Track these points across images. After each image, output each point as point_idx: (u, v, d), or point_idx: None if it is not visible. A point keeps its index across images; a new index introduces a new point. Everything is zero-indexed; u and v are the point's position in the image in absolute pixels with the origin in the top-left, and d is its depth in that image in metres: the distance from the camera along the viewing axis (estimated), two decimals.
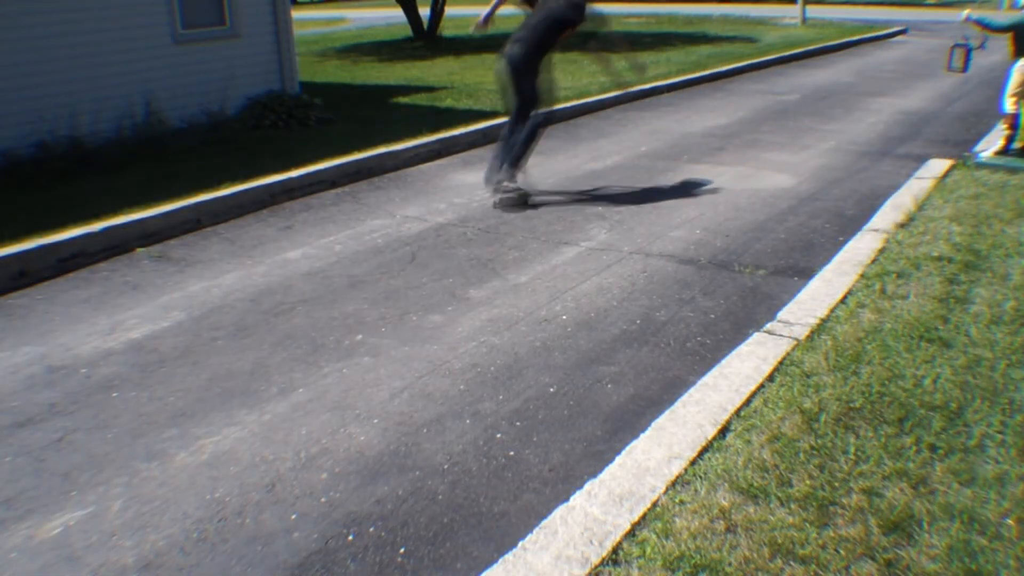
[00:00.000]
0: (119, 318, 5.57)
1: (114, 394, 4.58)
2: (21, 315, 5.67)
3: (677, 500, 3.31)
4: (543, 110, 7.86)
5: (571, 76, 15.34)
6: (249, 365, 4.86)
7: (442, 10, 24.00)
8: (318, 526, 3.46)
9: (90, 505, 3.64)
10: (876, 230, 6.48)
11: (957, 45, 9.36)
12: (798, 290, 5.52)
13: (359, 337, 5.17)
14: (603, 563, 2.98)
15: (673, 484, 3.42)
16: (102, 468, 3.91)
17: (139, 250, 6.84)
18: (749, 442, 3.68)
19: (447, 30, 24.46)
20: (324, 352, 4.99)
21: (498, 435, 4.07)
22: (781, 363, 4.39)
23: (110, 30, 10.07)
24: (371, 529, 3.43)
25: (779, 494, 3.30)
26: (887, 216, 6.82)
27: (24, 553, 3.36)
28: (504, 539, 3.31)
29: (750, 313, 5.35)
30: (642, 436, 3.80)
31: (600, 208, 7.65)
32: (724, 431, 3.79)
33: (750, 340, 4.73)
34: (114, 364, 4.93)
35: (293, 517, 3.52)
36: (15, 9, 9.10)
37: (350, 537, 3.38)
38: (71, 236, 6.58)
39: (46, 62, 9.40)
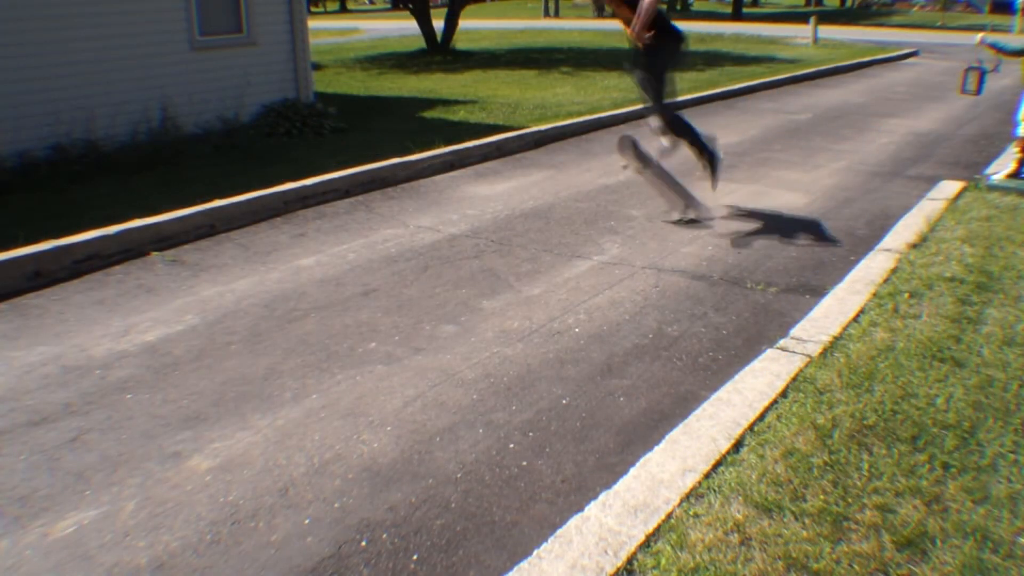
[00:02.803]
0: (133, 320, 5.59)
1: (128, 396, 4.60)
2: (36, 315, 5.70)
3: (691, 513, 3.32)
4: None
5: (583, 91, 15.40)
6: (262, 370, 4.88)
7: (456, 23, 24.12)
8: (331, 531, 3.47)
9: (104, 505, 3.66)
10: (888, 250, 6.49)
11: (971, 68, 9.38)
12: (810, 308, 5.52)
13: (372, 345, 5.19)
14: (617, 573, 2.98)
15: (687, 497, 3.42)
16: (116, 468, 3.92)
17: (153, 254, 6.88)
18: (763, 457, 3.69)
19: (460, 43, 24.58)
20: (337, 359, 5.01)
21: (511, 445, 4.08)
22: (794, 379, 4.40)
23: (128, 35, 10.15)
24: (384, 536, 3.44)
25: (793, 508, 3.31)
26: (899, 236, 6.83)
27: (38, 551, 3.37)
28: (516, 548, 3.32)
29: (762, 330, 5.36)
30: (656, 449, 3.81)
31: (612, 223, 7.68)
32: (738, 445, 3.80)
33: (763, 356, 4.74)
34: (128, 366, 4.95)
35: (306, 522, 3.53)
36: (35, 13, 9.17)
37: (363, 543, 3.39)
38: (86, 238, 6.61)
39: (64, 65, 9.48)
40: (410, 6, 24.35)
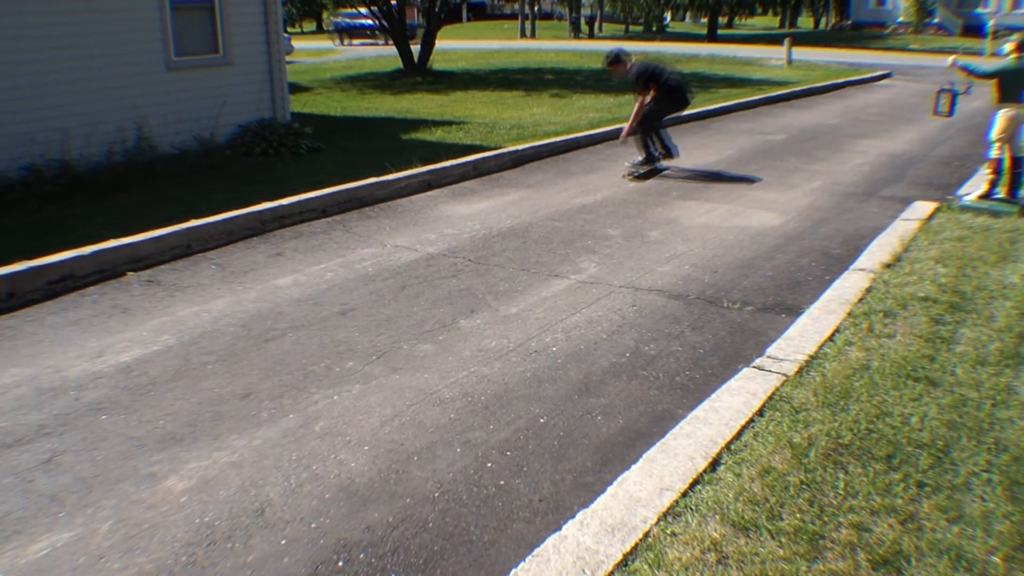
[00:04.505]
0: (108, 341, 5.56)
1: (103, 417, 4.56)
2: (9, 336, 5.65)
3: (668, 531, 3.33)
4: None
5: (560, 111, 15.48)
6: (239, 390, 4.86)
7: (433, 43, 24.20)
8: (308, 551, 3.45)
9: (78, 527, 3.62)
10: (863, 269, 6.55)
11: (943, 90, 9.50)
12: (786, 327, 5.56)
13: (350, 364, 5.18)
14: None
15: (664, 515, 3.43)
16: (90, 490, 3.89)
17: (129, 274, 6.84)
18: (739, 475, 3.70)
19: (437, 63, 24.65)
20: (314, 379, 5.00)
21: (488, 464, 4.08)
22: (770, 398, 4.43)
23: (104, 56, 10.12)
24: (361, 556, 3.42)
25: (769, 527, 3.32)
26: (873, 256, 6.90)
27: (9, 575, 3.33)
28: (494, 567, 3.32)
29: (738, 349, 5.39)
30: (633, 468, 3.82)
31: (590, 242, 7.71)
32: (715, 464, 3.82)
33: (740, 375, 4.77)
34: (103, 387, 4.91)
35: (283, 542, 3.51)
36: (8, 35, 9.13)
37: (340, 563, 3.38)
38: (61, 259, 6.57)
39: (39, 86, 9.43)
40: (387, 26, 24.40)
